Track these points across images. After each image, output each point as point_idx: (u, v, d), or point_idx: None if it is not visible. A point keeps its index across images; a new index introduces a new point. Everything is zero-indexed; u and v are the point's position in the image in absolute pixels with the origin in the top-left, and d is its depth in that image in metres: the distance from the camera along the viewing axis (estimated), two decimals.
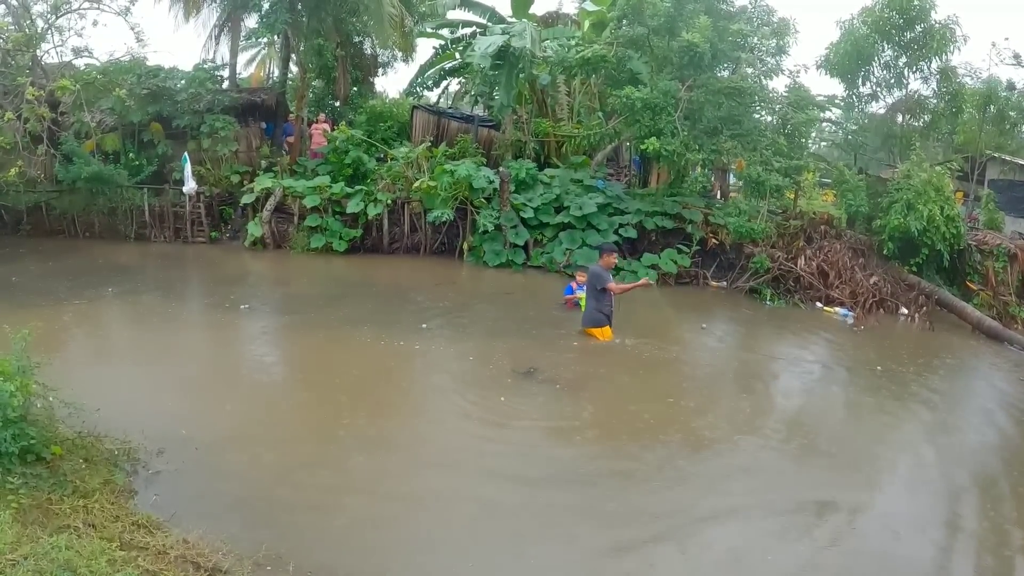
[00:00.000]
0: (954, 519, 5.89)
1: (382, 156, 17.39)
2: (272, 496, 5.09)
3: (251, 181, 16.17)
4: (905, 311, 13.75)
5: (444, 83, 22.32)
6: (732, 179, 17.42)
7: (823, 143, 18.67)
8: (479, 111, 21.28)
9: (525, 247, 14.65)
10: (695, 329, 11.39)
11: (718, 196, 17.58)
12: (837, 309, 13.07)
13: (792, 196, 15.72)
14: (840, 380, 9.64)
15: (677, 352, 9.88)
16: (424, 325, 9.99)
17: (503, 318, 10.97)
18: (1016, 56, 20.26)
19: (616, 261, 10.55)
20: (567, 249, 14.12)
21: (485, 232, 14.76)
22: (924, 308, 13.74)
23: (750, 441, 6.92)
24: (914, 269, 14.36)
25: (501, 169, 15.22)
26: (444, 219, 14.83)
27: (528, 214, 14.68)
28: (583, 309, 10.10)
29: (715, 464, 6.37)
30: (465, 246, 15.36)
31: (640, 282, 10.32)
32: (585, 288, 10.07)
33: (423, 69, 21.34)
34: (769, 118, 15.04)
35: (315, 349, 9.08)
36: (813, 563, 4.89)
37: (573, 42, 15.88)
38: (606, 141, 15.91)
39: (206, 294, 12.47)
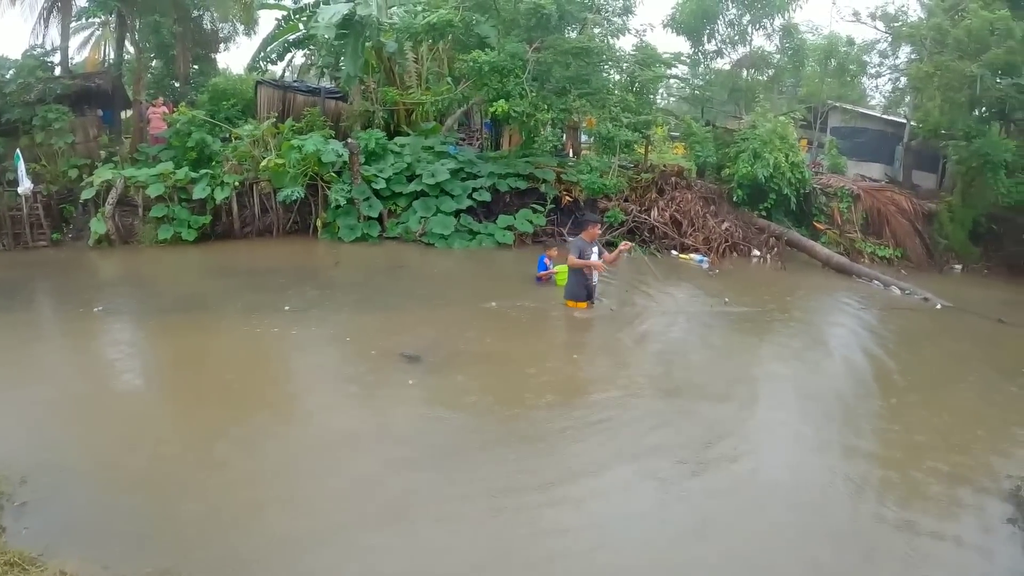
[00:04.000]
0: (827, 441, 6.24)
1: (227, 136, 16.30)
2: (152, 512, 4.51)
3: (91, 174, 14.73)
4: (757, 253, 14.18)
5: (289, 56, 21.15)
6: (584, 137, 17.38)
7: (672, 98, 18.98)
8: (326, 83, 20.36)
9: (380, 219, 14.09)
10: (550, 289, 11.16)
11: (571, 154, 17.52)
12: (693, 256, 13.30)
13: (643, 150, 15.84)
14: (705, 323, 9.77)
15: (546, 313, 9.60)
16: (287, 307, 9.20)
17: (374, 294, 10.37)
18: (855, 13, 21.30)
19: (599, 232, 9.88)
20: (422, 218, 13.67)
21: (338, 207, 14.08)
22: (776, 249, 14.20)
23: (627, 391, 6.91)
24: (763, 213, 14.82)
25: (350, 141, 14.53)
26: (295, 197, 14.04)
27: (380, 185, 14.09)
28: (559, 284, 9.77)
29: (598, 416, 6.27)
30: (319, 223, 14.62)
31: (621, 247, 9.63)
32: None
33: (266, 42, 20.12)
34: (617, 76, 15.02)
35: (179, 348, 8.09)
36: (700, 501, 5.00)
37: (420, 8, 15.32)
38: (455, 106, 15.51)
39: (53, 302, 10.97)
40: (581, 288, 9.11)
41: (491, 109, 13.30)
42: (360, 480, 4.97)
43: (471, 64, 13.42)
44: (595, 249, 9.15)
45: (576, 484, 5.08)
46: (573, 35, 14.81)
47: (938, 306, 13.05)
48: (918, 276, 16.05)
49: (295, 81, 21.38)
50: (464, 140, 17.63)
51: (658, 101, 17.27)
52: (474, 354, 7.64)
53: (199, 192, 14.21)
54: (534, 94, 13.13)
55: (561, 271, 10.07)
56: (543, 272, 10.93)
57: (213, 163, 15.03)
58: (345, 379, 6.98)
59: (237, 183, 14.46)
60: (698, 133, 14.46)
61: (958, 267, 18.18)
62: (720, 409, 6.69)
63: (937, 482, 5.70)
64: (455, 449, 5.49)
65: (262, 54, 20.20)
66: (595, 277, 9.21)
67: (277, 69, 22.28)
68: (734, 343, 9.14)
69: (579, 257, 8.85)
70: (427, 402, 6.38)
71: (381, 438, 5.64)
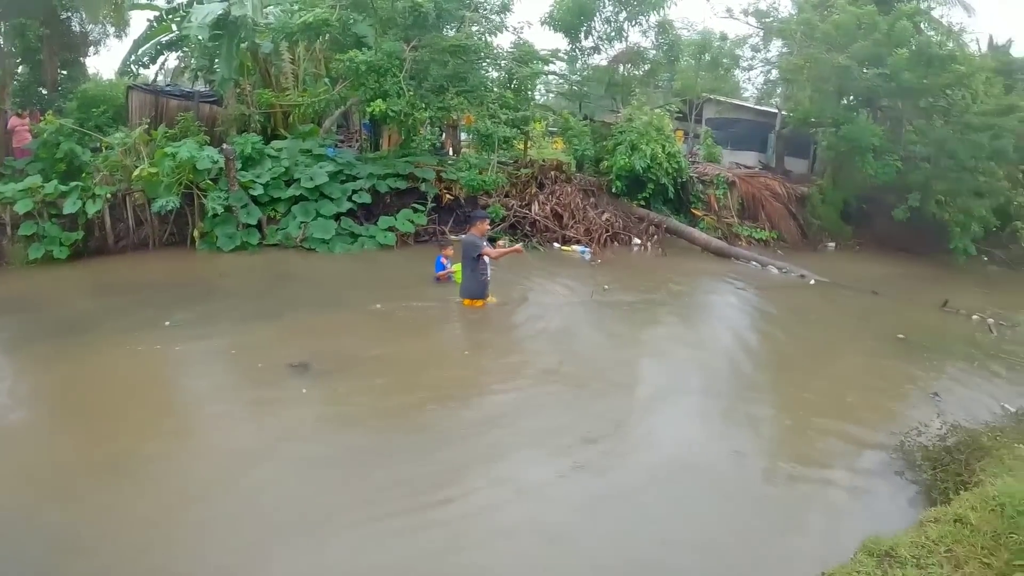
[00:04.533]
0: (722, 413, 6.72)
1: (98, 146, 15.52)
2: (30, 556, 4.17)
3: None
4: (638, 241, 14.58)
5: (162, 58, 20.32)
6: (464, 135, 17.42)
7: (552, 95, 19.26)
8: (201, 86, 19.67)
9: (259, 226, 13.73)
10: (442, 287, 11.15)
11: (451, 152, 17.56)
12: (575, 247, 13.55)
13: (522, 146, 16.02)
14: (594, 311, 10.05)
15: (433, 312, 9.64)
16: (168, 323, 8.74)
17: (256, 304, 10.04)
18: (728, 9, 22.17)
19: (488, 228, 9.93)
20: (302, 223, 13.40)
21: (215, 216, 13.62)
22: (655, 237, 14.63)
23: (519, 383, 7.07)
24: (642, 203, 15.22)
25: (225, 147, 14.07)
26: (170, 207, 13.48)
27: (258, 191, 13.73)
28: (458, 282, 9.70)
29: (491, 410, 6.47)
30: (196, 233, 14.12)
31: (513, 248, 9.91)
32: (462, 258, 9.49)
33: (137, 44, 19.24)
34: (496, 74, 15.12)
35: (56, 375, 7.34)
36: (599, 483, 5.23)
37: (296, 7, 14.99)
38: (332, 107, 15.24)
39: None
40: (477, 284, 9.20)
41: (368, 109, 13.16)
42: (263, 494, 4.85)
43: (347, 64, 13.24)
44: (485, 244, 9.30)
45: (473, 479, 5.18)
46: (452, 33, 14.81)
47: (811, 282, 13.81)
48: (794, 255, 16.91)
49: (168, 85, 20.54)
50: (343, 142, 17.37)
51: (538, 97, 17.52)
52: (363, 358, 7.58)
53: (70, 207, 13.42)
54: (411, 93, 13.07)
55: (458, 269, 10.08)
56: (441, 272, 10.91)
57: (84, 175, 14.24)
58: (234, 394, 6.79)
59: (109, 195, 13.75)
60: (575, 127, 14.72)
61: (832, 245, 19.24)
62: (614, 393, 6.96)
63: (828, 442, 6.22)
64: (355, 454, 5.47)
65: (133, 57, 19.32)
66: (489, 272, 9.31)
67: (150, 73, 21.40)
68: (623, 329, 9.50)
69: (474, 253, 8.97)
70: (320, 410, 6.30)
71: (278, 450, 5.51)
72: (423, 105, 13.23)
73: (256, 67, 16.85)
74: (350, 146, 17.13)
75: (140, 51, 19.14)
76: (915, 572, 3.92)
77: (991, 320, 12.31)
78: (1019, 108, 19.33)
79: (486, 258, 9.18)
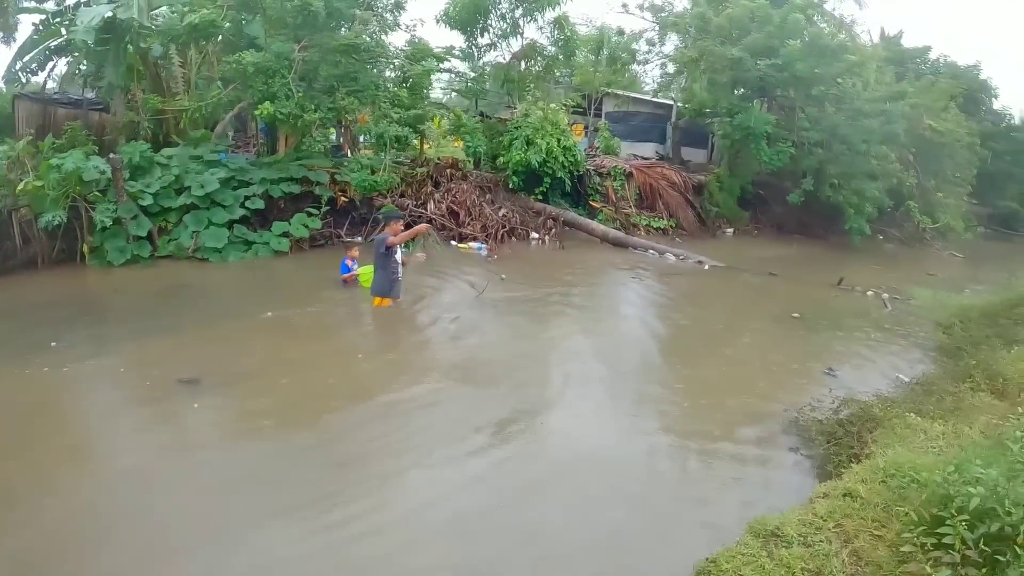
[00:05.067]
0: (630, 399, 6.93)
1: None
2: None
3: None
4: (536, 235, 14.82)
5: (51, 65, 19.60)
6: (363, 136, 17.38)
7: (452, 92, 19.34)
8: (92, 93, 19.07)
9: (150, 238, 13.44)
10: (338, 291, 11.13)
11: (349, 154, 17.49)
12: (472, 244, 13.68)
13: (420, 145, 16.07)
14: (493, 308, 10.20)
15: (330, 317, 9.63)
16: (54, 343, 8.32)
17: (147, 319, 9.67)
18: (624, 5, 22.68)
19: (402, 227, 9.67)
20: (194, 232, 13.15)
21: (105, 229, 13.26)
22: (553, 230, 14.88)
23: (415, 384, 7.12)
24: (539, 197, 15.46)
25: (112, 156, 13.71)
26: (57, 222, 13.04)
27: (148, 201, 13.42)
28: (364, 286, 9.70)
29: (386, 412, 6.42)
30: (86, 248, 13.73)
31: (417, 228, 9.76)
32: (374, 257, 9.42)
33: (24, 50, 18.49)
34: (390, 72, 15.12)
35: None
36: (507, 479, 5.29)
37: (186, 8, 14.67)
38: (220, 111, 14.98)
39: None
40: (387, 282, 9.23)
41: (255, 112, 13.01)
42: (155, 511, 4.76)
43: (234, 66, 13.06)
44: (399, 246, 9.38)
45: (378, 483, 5.19)
46: (345, 33, 14.72)
47: (707, 267, 14.26)
48: (692, 242, 17.44)
49: (56, 93, 19.84)
50: (240, 147, 17.11)
51: (441, 96, 17.60)
52: (254, 368, 7.46)
53: None
54: (300, 94, 12.96)
55: (364, 271, 10.14)
56: (347, 274, 10.89)
57: None
58: (123, 413, 6.59)
59: None
60: (467, 124, 14.83)
61: (730, 231, 19.90)
62: (516, 386, 7.07)
63: (724, 423, 6.39)
64: (248, 464, 5.40)
65: (20, 64, 18.61)
66: (400, 272, 9.37)
67: (40, 80, 20.60)
68: (524, 322, 9.65)
69: (382, 248, 9.00)
70: (212, 423, 6.21)
71: (168, 466, 5.38)
72: (312, 107, 13.13)
73: (147, 72, 16.45)
74: (248, 151, 16.89)
75: (27, 57, 18.44)
76: (801, 551, 3.87)
77: (886, 295, 13.00)
78: (908, 94, 20.30)
79: (397, 257, 9.22)
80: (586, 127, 22.19)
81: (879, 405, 6.33)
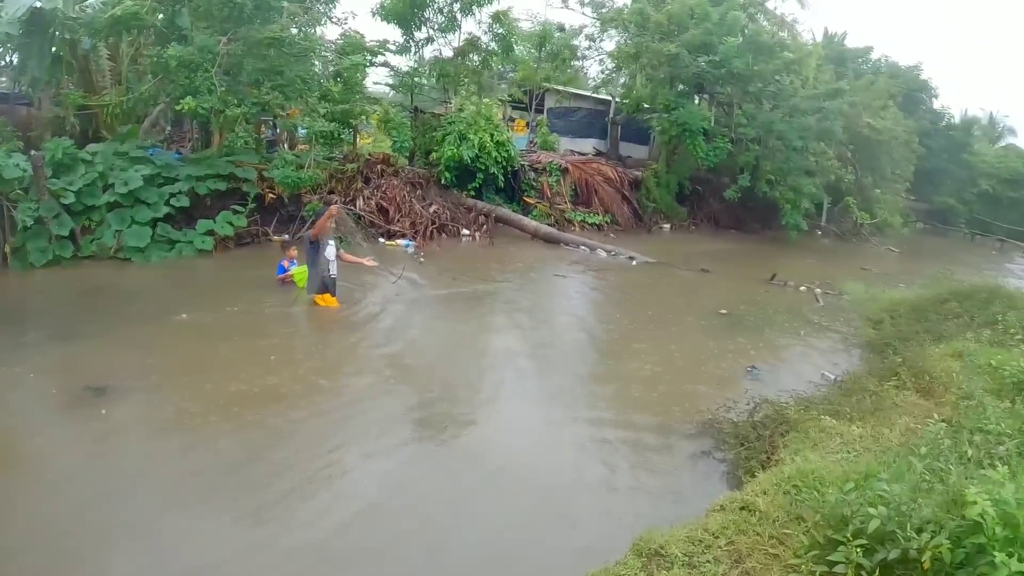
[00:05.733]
0: (558, 403, 6.88)
1: None
2: None
3: None
4: (467, 232, 14.83)
5: None
6: (302, 131, 17.17)
7: (389, 88, 19.24)
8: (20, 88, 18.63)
9: (73, 237, 13.19)
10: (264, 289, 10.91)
11: (285, 149, 17.33)
12: (399, 241, 13.64)
13: (353, 140, 15.95)
14: (420, 306, 10.22)
15: (241, 318, 9.32)
16: None
17: (60, 324, 9.40)
18: (564, 0, 22.75)
19: (332, 225, 9.60)
20: (117, 231, 12.91)
21: (27, 229, 12.98)
22: (484, 227, 14.92)
23: (357, 385, 7.09)
24: (472, 193, 15.48)
25: (33, 153, 13.43)
26: None
27: (70, 199, 13.17)
28: (300, 285, 9.59)
29: (326, 415, 6.32)
30: (7, 249, 13.42)
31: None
32: (307, 258, 9.39)
33: None
34: (319, 67, 14.97)
35: None
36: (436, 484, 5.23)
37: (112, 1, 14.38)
38: (140, 107, 14.64)
39: None
40: (318, 280, 9.20)
41: (176, 108, 12.82)
42: (70, 520, 4.64)
43: (155, 60, 12.84)
44: (331, 242, 9.31)
45: (289, 493, 5.02)
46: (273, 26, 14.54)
47: (634, 263, 14.39)
48: (626, 238, 17.58)
49: None
50: (175, 142, 16.84)
51: (384, 90, 17.47)
52: (164, 372, 7.26)
53: None
54: (223, 89, 12.77)
55: (299, 271, 10.06)
56: (282, 275, 10.79)
57: None
58: (32, 420, 6.37)
59: None
60: (395, 119, 14.77)
61: (667, 227, 20.13)
62: (439, 384, 7.08)
63: (635, 427, 6.29)
64: (161, 473, 5.25)
65: None
66: (333, 269, 9.28)
67: None
68: (443, 323, 9.61)
69: (313, 248, 9.01)
70: (118, 430, 6.00)
71: (78, 475, 5.22)
72: (235, 101, 12.98)
73: (76, 65, 16.12)
74: (182, 146, 16.63)
75: None
76: (683, 572, 3.54)
77: (818, 290, 13.13)
78: (845, 92, 20.69)
79: (328, 253, 9.13)
80: (528, 123, 22.28)
81: (794, 406, 6.12)
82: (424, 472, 5.43)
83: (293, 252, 10.94)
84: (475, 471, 5.45)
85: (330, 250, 9.25)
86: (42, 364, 7.68)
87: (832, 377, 7.70)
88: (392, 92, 18.39)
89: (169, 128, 16.88)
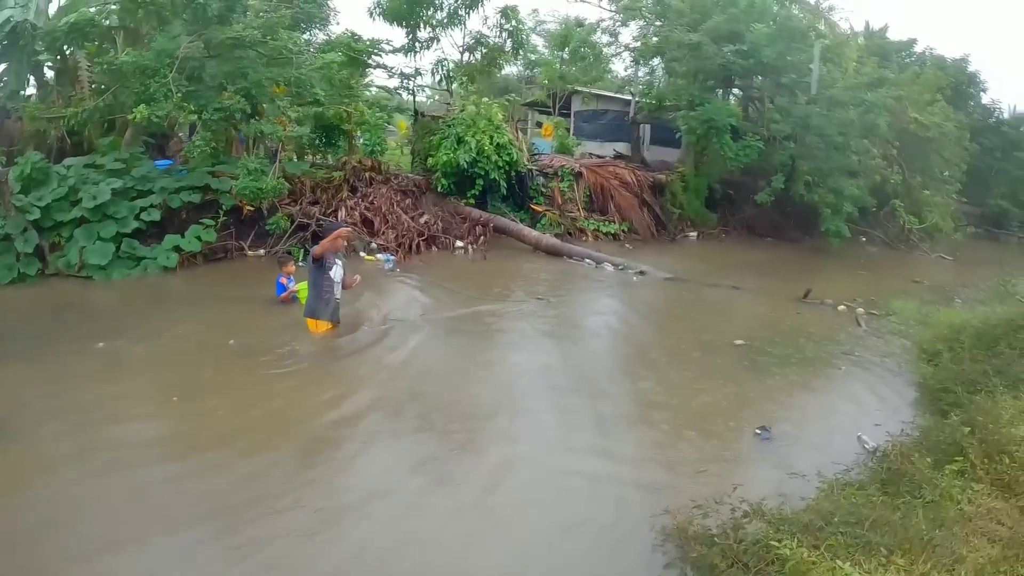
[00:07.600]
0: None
1: None
2: None
3: None
4: (461, 244, 13.63)
5: None
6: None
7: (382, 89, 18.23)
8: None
9: (40, 254, 12.41)
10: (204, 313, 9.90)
11: (276, 156, 16.34)
12: (378, 256, 12.50)
13: (348, 145, 14.86)
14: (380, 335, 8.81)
15: (164, 345, 8.29)
16: None
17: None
18: None
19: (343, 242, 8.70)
20: (83, 247, 12.11)
21: None
22: (481, 238, 13.67)
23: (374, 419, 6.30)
24: (472, 201, 14.28)
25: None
26: None
27: (36, 215, 12.41)
28: (303, 303, 8.69)
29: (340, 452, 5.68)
30: None
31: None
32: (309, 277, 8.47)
33: None
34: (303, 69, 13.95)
35: None
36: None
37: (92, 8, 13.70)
38: (95, 117, 13.44)
39: None
40: (319, 304, 8.10)
41: (129, 117, 11.93)
42: None
43: (104, 67, 12.12)
44: (339, 261, 8.24)
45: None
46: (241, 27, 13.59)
47: (636, 280, 12.89)
48: (645, 248, 16.12)
49: None
50: (176, 152, 15.96)
51: (365, 91, 16.44)
52: (57, 409, 6.30)
53: None
54: (180, 95, 11.80)
55: (302, 287, 9.08)
56: (283, 294, 9.77)
57: None
58: None
59: None
60: (369, 120, 13.59)
61: (693, 235, 18.57)
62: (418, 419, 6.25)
63: (593, 522, 4.72)
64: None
65: None
66: (337, 292, 8.21)
67: None
68: (423, 352, 8.25)
69: (317, 267, 7.98)
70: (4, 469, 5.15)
71: None
72: (192, 107, 12.01)
73: (66, 77, 15.46)
74: (175, 156, 15.77)
75: None
76: None
77: (860, 310, 11.22)
78: (888, 82, 18.93)
79: (333, 275, 8.06)
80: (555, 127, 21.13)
81: (794, 528, 3.77)
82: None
83: (291, 268, 9.93)
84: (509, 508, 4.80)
85: (336, 271, 8.12)
86: None
87: (871, 446, 5.62)
88: (399, 95, 17.51)
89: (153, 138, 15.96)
